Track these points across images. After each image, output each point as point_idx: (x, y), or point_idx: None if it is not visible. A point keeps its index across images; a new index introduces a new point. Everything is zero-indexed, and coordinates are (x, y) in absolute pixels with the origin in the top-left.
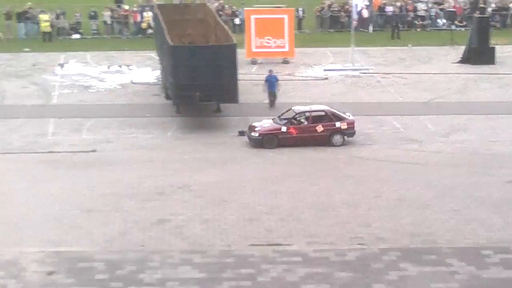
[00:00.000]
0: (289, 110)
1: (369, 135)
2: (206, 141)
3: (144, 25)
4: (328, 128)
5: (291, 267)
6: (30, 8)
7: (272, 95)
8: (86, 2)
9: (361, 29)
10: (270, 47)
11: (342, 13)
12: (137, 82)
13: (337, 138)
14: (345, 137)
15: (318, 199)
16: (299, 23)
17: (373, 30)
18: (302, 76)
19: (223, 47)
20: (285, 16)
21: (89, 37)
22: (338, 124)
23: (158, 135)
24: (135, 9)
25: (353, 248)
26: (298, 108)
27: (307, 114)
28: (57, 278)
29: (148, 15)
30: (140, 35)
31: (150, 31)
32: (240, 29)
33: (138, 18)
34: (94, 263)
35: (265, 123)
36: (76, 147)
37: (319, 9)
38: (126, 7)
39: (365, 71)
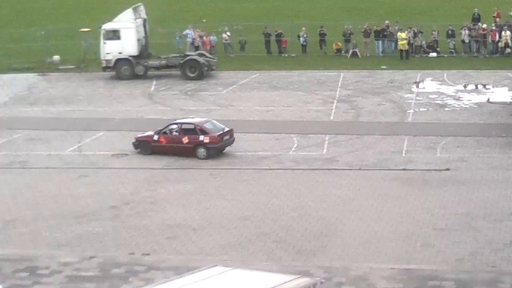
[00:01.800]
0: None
1: None
2: None
3: (501, 43)
4: (192, 140)
5: None
6: (388, 26)
7: None
8: (443, 20)
9: None
10: None
11: None
12: (494, 101)
13: (200, 152)
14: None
15: None
16: None
17: None
18: None
19: None
20: None
21: (446, 55)
22: (201, 137)
23: None
24: (493, 27)
25: None
26: (177, 120)
27: (179, 125)
28: None
29: (507, 34)
30: (497, 54)
31: (508, 50)
32: None
33: (496, 37)
34: (443, 282)
35: (150, 132)
36: (430, 165)
37: None
38: (484, 25)
39: None
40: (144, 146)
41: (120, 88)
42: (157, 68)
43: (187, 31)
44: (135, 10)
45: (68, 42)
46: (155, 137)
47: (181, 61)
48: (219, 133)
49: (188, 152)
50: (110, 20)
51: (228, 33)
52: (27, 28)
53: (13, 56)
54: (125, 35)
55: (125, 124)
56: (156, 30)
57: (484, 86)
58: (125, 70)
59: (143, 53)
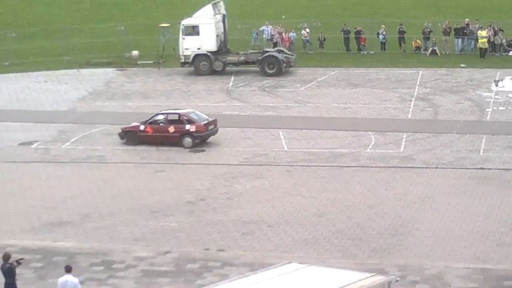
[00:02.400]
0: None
1: None
2: None
3: None
4: (178, 130)
5: None
6: (468, 24)
7: None
8: None
9: None
10: None
11: None
12: None
13: (187, 140)
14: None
15: None
16: None
17: None
18: None
19: None
20: None
21: None
22: (188, 127)
23: None
24: None
25: None
26: (162, 111)
27: (165, 116)
28: None
29: None
30: None
31: None
32: None
33: None
34: None
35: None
36: (508, 164)
37: None
38: None
39: None
40: (130, 136)
41: (198, 83)
42: (236, 64)
43: (263, 28)
44: (214, 6)
45: (147, 37)
46: (142, 127)
47: (260, 57)
48: (204, 123)
49: (174, 141)
50: (189, 15)
51: (307, 30)
52: (107, 23)
53: (92, 51)
54: (204, 30)
55: None
56: (235, 26)
57: None
58: (204, 66)
59: (222, 49)
